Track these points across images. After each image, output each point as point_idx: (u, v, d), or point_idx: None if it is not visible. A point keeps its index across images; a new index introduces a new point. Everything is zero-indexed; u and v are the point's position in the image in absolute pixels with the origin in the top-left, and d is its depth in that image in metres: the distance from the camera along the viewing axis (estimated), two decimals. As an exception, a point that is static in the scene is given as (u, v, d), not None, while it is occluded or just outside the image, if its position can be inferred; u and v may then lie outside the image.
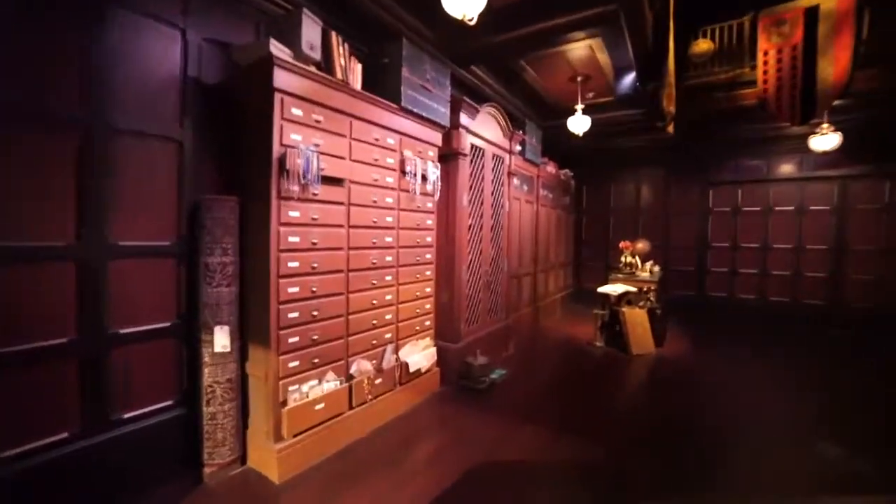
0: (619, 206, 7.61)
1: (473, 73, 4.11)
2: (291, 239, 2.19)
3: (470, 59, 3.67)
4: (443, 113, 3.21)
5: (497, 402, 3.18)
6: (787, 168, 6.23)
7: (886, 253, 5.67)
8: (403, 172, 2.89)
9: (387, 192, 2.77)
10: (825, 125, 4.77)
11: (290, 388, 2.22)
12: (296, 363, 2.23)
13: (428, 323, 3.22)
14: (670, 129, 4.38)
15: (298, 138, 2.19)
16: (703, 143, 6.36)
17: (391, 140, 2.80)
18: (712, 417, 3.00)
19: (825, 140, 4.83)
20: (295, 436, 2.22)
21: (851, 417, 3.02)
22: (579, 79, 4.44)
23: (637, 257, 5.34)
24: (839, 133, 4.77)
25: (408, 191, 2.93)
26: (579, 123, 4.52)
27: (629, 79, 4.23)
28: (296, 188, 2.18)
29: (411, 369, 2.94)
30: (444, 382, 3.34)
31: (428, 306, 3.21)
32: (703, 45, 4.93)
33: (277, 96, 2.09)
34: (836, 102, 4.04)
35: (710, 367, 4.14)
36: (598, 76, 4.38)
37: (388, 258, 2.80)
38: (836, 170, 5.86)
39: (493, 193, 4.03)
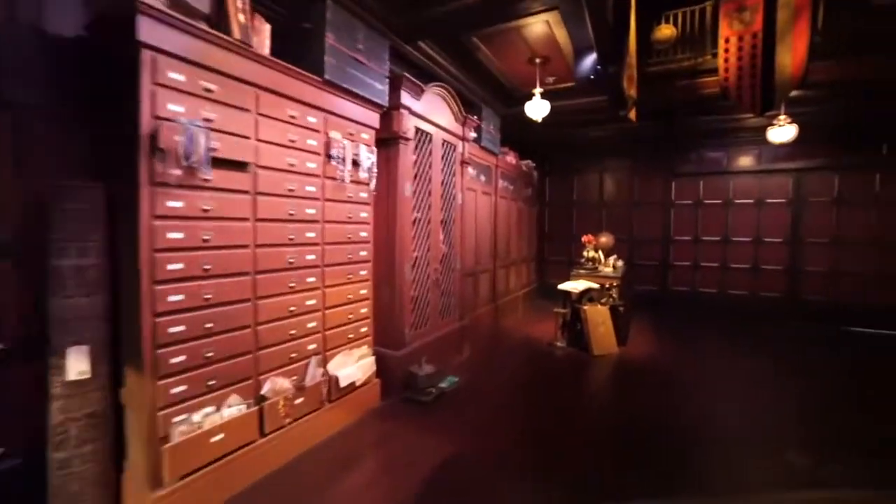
0: (582, 199, 7.44)
1: (421, 51, 3.71)
2: (172, 235, 1.76)
3: (413, 30, 3.27)
4: (380, 90, 2.82)
5: (444, 415, 2.85)
6: (746, 160, 6.21)
7: (836, 245, 5.75)
8: (329, 157, 2.47)
9: (307, 180, 2.35)
10: (782, 117, 4.71)
11: (175, 420, 1.79)
12: (182, 388, 1.81)
13: (364, 329, 2.83)
14: (632, 115, 4.17)
15: (179, 110, 1.75)
16: (665, 134, 6.24)
17: (313, 118, 2.38)
18: (676, 422, 2.79)
19: (782, 132, 4.76)
20: (182, 478, 1.80)
21: (827, 416, 2.91)
22: (538, 61, 4.13)
23: (600, 252, 5.13)
24: (795, 125, 4.72)
25: (335, 178, 2.51)
26: (538, 108, 4.22)
27: (590, 61, 3.95)
28: (177, 172, 1.74)
29: (342, 384, 2.56)
30: (385, 395, 2.97)
31: (364, 310, 2.82)
32: (665, 31, 4.74)
33: (146, 54, 1.65)
34: (793, 93, 3.96)
35: (673, 368, 3.96)
36: (558, 58, 4.09)
37: (311, 256, 2.39)
38: (793, 162, 5.89)
39: (443, 183, 3.66)
